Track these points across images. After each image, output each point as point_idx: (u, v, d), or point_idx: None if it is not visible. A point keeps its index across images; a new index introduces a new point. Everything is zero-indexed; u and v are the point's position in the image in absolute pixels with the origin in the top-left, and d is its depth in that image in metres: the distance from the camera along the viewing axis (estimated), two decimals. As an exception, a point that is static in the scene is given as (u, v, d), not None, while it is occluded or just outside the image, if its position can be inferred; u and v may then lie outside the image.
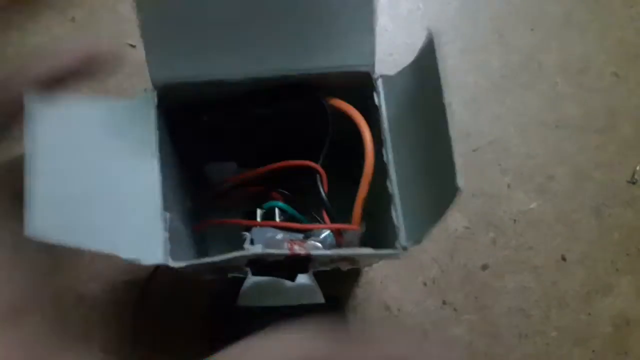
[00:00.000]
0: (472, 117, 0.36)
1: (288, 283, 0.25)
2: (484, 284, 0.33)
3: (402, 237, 0.21)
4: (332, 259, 0.23)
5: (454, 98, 0.36)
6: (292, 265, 0.22)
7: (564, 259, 0.34)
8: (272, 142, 0.26)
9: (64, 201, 0.17)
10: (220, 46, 0.22)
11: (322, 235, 0.25)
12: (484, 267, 0.34)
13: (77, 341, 0.25)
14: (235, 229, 0.26)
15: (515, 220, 0.35)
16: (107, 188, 0.19)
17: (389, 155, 0.22)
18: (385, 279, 0.33)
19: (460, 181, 0.17)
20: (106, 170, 0.19)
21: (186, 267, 0.20)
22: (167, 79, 0.22)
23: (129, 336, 0.31)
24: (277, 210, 0.26)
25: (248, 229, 0.25)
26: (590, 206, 0.35)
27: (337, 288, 0.33)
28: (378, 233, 0.24)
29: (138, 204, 0.20)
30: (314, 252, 0.21)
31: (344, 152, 0.25)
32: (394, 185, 0.22)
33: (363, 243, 0.24)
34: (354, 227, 0.24)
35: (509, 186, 0.35)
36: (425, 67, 0.19)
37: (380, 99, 0.23)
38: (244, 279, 0.27)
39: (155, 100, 0.22)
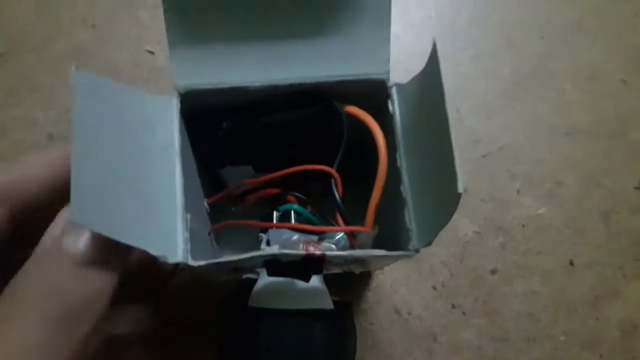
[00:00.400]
0: (483, 123, 0.37)
1: (299, 286, 0.25)
2: (493, 288, 0.34)
3: (414, 239, 0.21)
4: (346, 260, 0.23)
5: (464, 104, 0.37)
6: (307, 266, 0.22)
7: (572, 264, 0.35)
8: (287, 148, 0.27)
9: (101, 190, 0.18)
10: (241, 54, 0.22)
11: (336, 238, 0.26)
12: (493, 272, 0.34)
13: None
14: (250, 231, 0.27)
15: (524, 226, 0.35)
16: (136, 183, 0.20)
17: (402, 161, 0.23)
18: (395, 282, 0.34)
19: (460, 187, 0.17)
20: (137, 164, 0.20)
21: (206, 265, 0.20)
22: (190, 85, 0.23)
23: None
24: (292, 213, 0.27)
25: (264, 230, 0.26)
26: (598, 212, 0.36)
27: (348, 291, 0.33)
28: (390, 235, 0.24)
29: (162, 202, 0.21)
30: (328, 253, 0.21)
31: (357, 158, 0.25)
32: (406, 189, 0.22)
33: (376, 245, 0.24)
34: (367, 229, 0.24)
35: (518, 192, 0.36)
36: (430, 75, 0.20)
37: (395, 106, 0.23)
38: (256, 280, 0.27)
39: (178, 104, 0.22)
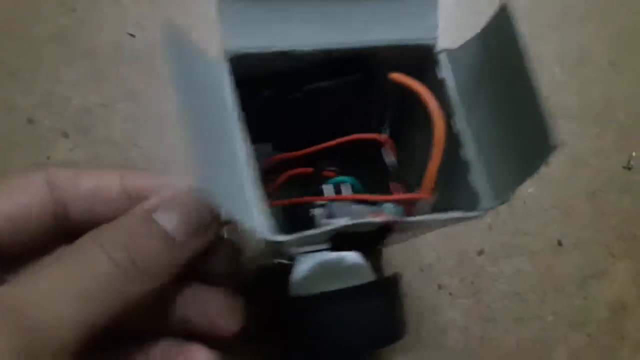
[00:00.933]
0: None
1: (338, 265, 0.25)
2: (479, 269, 0.34)
3: (485, 199, 0.21)
4: (412, 228, 0.23)
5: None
6: (378, 235, 0.22)
7: (560, 244, 0.35)
8: (324, 120, 0.26)
9: (206, 161, 0.17)
10: (288, 18, 0.21)
11: (389, 210, 0.25)
12: (480, 252, 0.34)
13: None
14: (283, 210, 0.26)
15: (511, 206, 0.35)
16: (222, 151, 0.19)
17: (459, 126, 0.22)
18: (383, 264, 0.34)
19: (555, 138, 0.17)
20: (217, 132, 0.19)
21: (288, 241, 0.19)
22: (239, 48, 0.21)
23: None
24: (342, 187, 0.26)
25: (314, 206, 0.24)
26: (586, 192, 0.36)
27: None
28: (451, 200, 0.23)
29: (239, 173, 0.20)
30: (407, 219, 0.21)
31: (397, 128, 0.25)
32: (470, 152, 0.22)
33: (434, 211, 0.23)
34: (427, 196, 0.23)
35: (505, 172, 0.36)
36: (498, 33, 0.20)
37: (445, 72, 0.23)
38: (286, 266, 0.27)
39: (230, 69, 0.21)
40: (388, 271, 0.33)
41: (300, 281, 0.25)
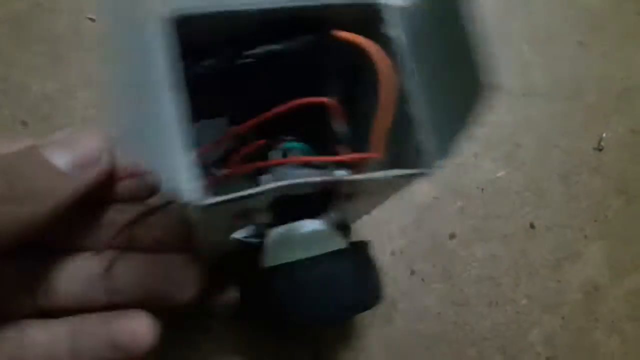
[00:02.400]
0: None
1: (308, 234, 0.24)
2: (452, 253, 0.34)
3: (430, 157, 0.21)
4: (358, 191, 0.23)
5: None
6: (316, 201, 0.22)
7: (532, 226, 0.35)
8: (277, 87, 0.25)
9: (130, 119, 0.18)
10: None
11: (338, 174, 0.25)
12: (452, 236, 0.35)
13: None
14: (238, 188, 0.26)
15: (482, 189, 0.36)
16: (148, 111, 0.19)
17: (408, 84, 0.22)
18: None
19: (489, 78, 0.17)
20: (142, 95, 0.19)
21: (217, 203, 0.19)
22: (178, 10, 0.21)
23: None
24: (292, 153, 0.25)
25: (263, 173, 0.24)
26: (558, 173, 0.36)
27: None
28: (399, 160, 0.23)
29: (166, 136, 0.20)
30: (345, 178, 0.20)
31: (350, 89, 0.25)
32: (416, 110, 0.22)
33: None
34: (377, 154, 0.23)
35: (475, 155, 0.36)
36: None
37: (394, 30, 0.23)
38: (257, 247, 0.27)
39: (168, 33, 0.20)
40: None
41: (270, 253, 0.25)
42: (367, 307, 0.26)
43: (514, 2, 0.39)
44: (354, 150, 0.24)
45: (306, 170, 0.23)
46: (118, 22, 0.18)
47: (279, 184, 0.19)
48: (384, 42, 0.23)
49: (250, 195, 0.19)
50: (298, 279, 0.24)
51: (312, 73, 0.24)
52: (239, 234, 0.27)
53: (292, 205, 0.21)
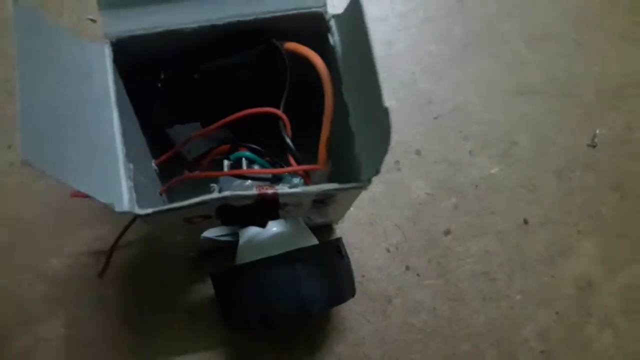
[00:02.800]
0: (434, 85, 0.38)
1: (279, 233, 0.26)
2: (446, 249, 0.35)
3: (364, 170, 0.22)
4: (300, 202, 0.24)
5: (417, 66, 0.38)
6: (261, 209, 0.22)
7: (526, 222, 0.36)
8: (232, 96, 0.27)
9: (49, 133, 0.18)
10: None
11: (294, 182, 0.26)
12: (447, 233, 0.35)
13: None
14: (206, 190, 0.27)
15: (477, 186, 0.36)
16: (80, 129, 0.20)
17: (347, 94, 0.23)
18: (349, 246, 0.35)
19: (385, 102, 0.18)
20: (78, 111, 0.20)
21: (154, 214, 0.20)
22: (121, 32, 0.23)
23: (95, 310, 0.32)
24: (244, 161, 0.27)
25: (216, 181, 0.26)
26: (552, 170, 0.37)
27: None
28: (343, 171, 0.25)
29: (104, 152, 0.21)
30: (281, 191, 0.21)
31: (306, 98, 0.26)
32: (354, 122, 0.23)
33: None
34: (320, 167, 0.24)
35: (470, 152, 0.37)
36: (352, 16, 0.21)
37: (335, 39, 0.24)
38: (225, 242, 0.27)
39: (111, 54, 0.22)
40: (354, 255, 0.34)
41: (240, 253, 0.26)
42: (335, 303, 0.27)
43: (511, 3, 0.40)
44: (307, 160, 0.25)
45: (251, 182, 0.25)
46: (39, 40, 0.19)
47: (213, 196, 0.20)
48: (327, 50, 0.24)
49: (184, 207, 0.20)
50: (262, 273, 0.25)
51: (266, 83, 0.25)
52: (210, 233, 0.28)
53: (238, 212, 0.22)
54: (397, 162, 0.36)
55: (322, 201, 0.24)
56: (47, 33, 0.20)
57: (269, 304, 0.25)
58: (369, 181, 0.22)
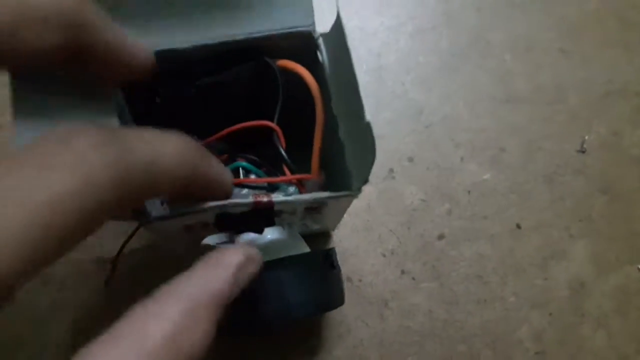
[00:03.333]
0: (424, 95, 0.39)
1: (272, 240, 0.27)
2: (441, 253, 0.36)
3: (354, 180, 0.23)
4: (294, 209, 0.25)
5: (407, 77, 0.40)
6: (257, 216, 0.24)
7: (518, 227, 0.37)
8: (227, 111, 0.28)
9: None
10: (165, 17, 0.24)
11: (289, 191, 0.28)
12: (440, 237, 0.37)
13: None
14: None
15: (469, 192, 0.38)
16: None
17: (336, 108, 0.25)
18: (346, 252, 0.36)
19: (367, 116, 0.20)
20: (75, 115, 0.22)
21: (154, 220, 0.22)
22: None
23: (100, 317, 0.33)
24: (241, 170, 0.29)
25: None
26: (542, 175, 0.38)
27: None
28: (335, 181, 0.26)
29: None
30: (276, 199, 0.23)
31: (298, 112, 0.27)
32: (343, 135, 0.24)
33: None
34: (313, 176, 0.26)
35: (462, 159, 0.38)
36: (335, 35, 0.23)
37: (324, 57, 0.25)
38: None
39: None
40: (350, 260, 0.36)
41: None
42: (323, 310, 0.28)
43: (495, 13, 0.42)
44: (301, 170, 0.27)
45: (247, 191, 0.26)
46: None
47: (212, 204, 0.22)
48: (317, 67, 0.26)
49: (184, 213, 0.22)
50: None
51: (260, 98, 0.27)
52: (210, 240, 0.29)
53: (235, 219, 0.24)
54: (391, 170, 0.38)
55: (315, 209, 0.26)
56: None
57: (255, 309, 0.26)
58: (358, 190, 0.23)
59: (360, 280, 0.35)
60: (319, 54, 0.26)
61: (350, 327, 0.34)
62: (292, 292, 0.26)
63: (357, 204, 0.37)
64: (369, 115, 0.20)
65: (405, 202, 0.37)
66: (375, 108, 0.39)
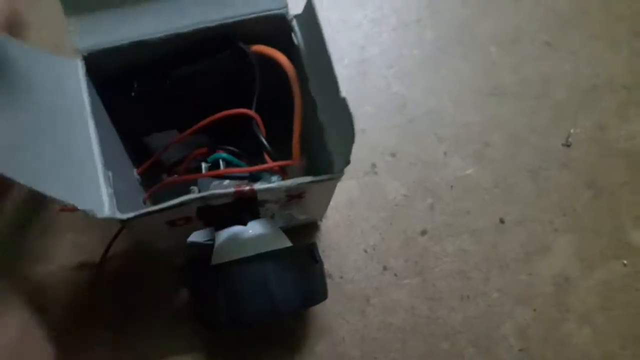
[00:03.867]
0: (408, 88, 0.39)
1: (254, 235, 0.27)
2: (423, 249, 0.36)
3: (337, 162, 0.23)
4: (279, 198, 0.25)
5: (390, 71, 0.39)
6: (239, 206, 0.23)
7: (502, 221, 0.37)
8: (205, 102, 0.28)
9: (20, 144, 0.19)
10: (137, 11, 0.24)
11: (272, 179, 0.27)
12: (423, 233, 0.36)
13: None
14: (188, 193, 0.28)
15: (452, 187, 0.37)
16: (55, 141, 0.21)
17: (314, 90, 0.25)
18: (327, 248, 0.36)
19: (343, 92, 0.20)
20: (53, 123, 0.21)
21: (135, 218, 0.21)
22: (92, 45, 0.24)
23: (84, 318, 0.33)
24: (221, 162, 0.28)
25: (195, 183, 0.27)
26: (527, 169, 0.38)
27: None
28: (318, 165, 0.26)
29: (82, 161, 0.22)
30: (258, 187, 0.23)
31: (277, 99, 0.27)
32: (322, 116, 0.24)
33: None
34: (295, 161, 0.26)
35: (445, 154, 0.38)
36: (308, 18, 0.23)
37: (298, 38, 0.25)
38: (209, 246, 0.29)
39: (84, 67, 0.24)
40: (332, 256, 0.35)
41: (218, 252, 0.27)
42: (305, 305, 0.28)
43: (481, 5, 0.41)
44: (283, 158, 0.27)
45: (229, 182, 0.26)
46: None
47: (192, 197, 0.22)
48: (293, 50, 0.26)
49: (164, 209, 0.22)
50: (235, 273, 0.26)
51: (237, 87, 0.27)
52: (195, 237, 0.29)
53: (218, 212, 0.23)
54: (373, 164, 0.38)
55: (299, 196, 0.25)
56: (16, 53, 0.21)
57: (239, 304, 0.26)
58: (341, 172, 0.23)
59: (341, 277, 0.35)
60: (293, 36, 0.25)
61: (332, 324, 0.34)
62: (276, 286, 0.26)
63: (338, 199, 0.37)
64: (344, 92, 0.19)
65: (387, 197, 0.37)
66: (358, 102, 0.39)
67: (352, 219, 0.36)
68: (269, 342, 0.33)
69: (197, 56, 0.26)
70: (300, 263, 0.28)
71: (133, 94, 0.27)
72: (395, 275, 0.36)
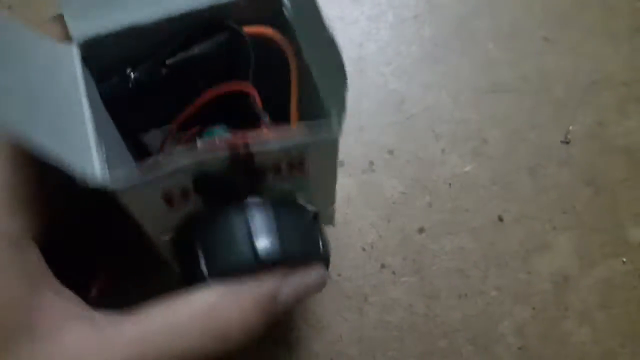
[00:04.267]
0: (405, 85, 0.39)
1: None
2: (421, 247, 0.36)
3: (334, 122, 0.22)
4: (278, 166, 0.23)
5: (387, 68, 0.39)
6: (240, 179, 0.22)
7: (501, 219, 0.37)
8: (202, 88, 0.27)
9: (14, 101, 0.19)
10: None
11: None
12: (421, 230, 0.37)
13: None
14: None
15: (450, 184, 0.37)
16: (50, 117, 0.20)
17: (308, 57, 0.24)
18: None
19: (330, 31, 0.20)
20: (47, 100, 0.21)
21: (130, 187, 0.20)
22: (87, 33, 0.23)
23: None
24: (217, 140, 0.27)
25: None
26: (525, 167, 0.38)
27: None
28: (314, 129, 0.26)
29: (76, 134, 0.21)
30: (256, 147, 0.21)
31: (271, 87, 0.27)
32: (316, 76, 0.24)
33: None
34: (293, 127, 0.26)
35: (443, 151, 0.38)
36: None
37: (289, 11, 0.25)
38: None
39: (78, 52, 0.23)
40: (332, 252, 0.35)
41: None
42: (279, 255, 0.26)
43: (479, 2, 0.41)
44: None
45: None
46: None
47: (184, 161, 0.20)
48: (286, 25, 0.25)
49: (158, 177, 0.20)
50: (204, 225, 0.24)
51: (233, 70, 0.27)
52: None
53: (216, 182, 0.23)
54: (371, 162, 0.38)
55: (300, 164, 0.24)
56: (14, 29, 0.21)
57: (218, 252, 0.24)
58: (338, 124, 0.22)
59: (339, 275, 0.35)
60: (284, 10, 0.25)
61: (329, 322, 0.34)
62: (282, 226, 0.24)
63: (337, 197, 0.37)
64: (331, 30, 0.19)
65: (385, 195, 0.37)
66: (356, 99, 0.39)
67: (350, 216, 0.37)
68: (265, 339, 0.33)
69: (190, 42, 0.26)
70: (291, 214, 0.25)
71: (130, 85, 0.27)
72: (393, 273, 0.36)
